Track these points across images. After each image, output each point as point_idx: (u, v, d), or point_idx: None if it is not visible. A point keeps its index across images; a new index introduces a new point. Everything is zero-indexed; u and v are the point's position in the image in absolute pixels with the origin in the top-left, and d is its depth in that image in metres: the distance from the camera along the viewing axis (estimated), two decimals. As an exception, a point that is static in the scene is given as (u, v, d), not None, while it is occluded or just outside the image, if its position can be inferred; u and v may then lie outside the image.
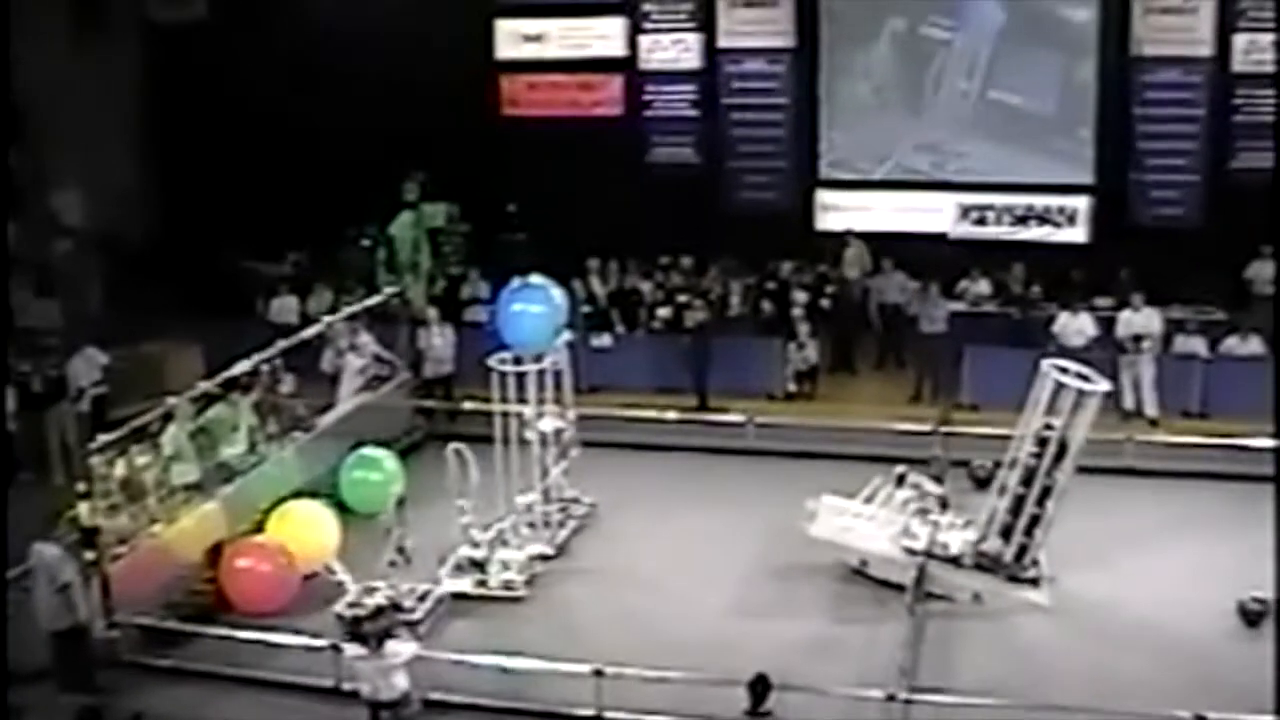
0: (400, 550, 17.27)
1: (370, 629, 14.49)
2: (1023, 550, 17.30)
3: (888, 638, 16.09)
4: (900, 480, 18.15)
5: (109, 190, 27.72)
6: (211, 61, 28.71)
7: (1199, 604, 16.88)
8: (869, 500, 18.22)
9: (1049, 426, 17.00)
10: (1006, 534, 17.30)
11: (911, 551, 17.37)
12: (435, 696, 14.92)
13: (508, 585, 17.69)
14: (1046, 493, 17.10)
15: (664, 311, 25.43)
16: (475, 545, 17.88)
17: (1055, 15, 26.74)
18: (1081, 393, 16.82)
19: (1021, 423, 17.26)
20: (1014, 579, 17.33)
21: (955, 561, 17.24)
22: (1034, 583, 17.35)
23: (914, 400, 24.16)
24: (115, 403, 21.53)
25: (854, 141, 28.28)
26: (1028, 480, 17.13)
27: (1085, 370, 17.17)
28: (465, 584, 17.60)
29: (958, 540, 17.46)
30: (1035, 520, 17.19)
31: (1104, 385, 17.07)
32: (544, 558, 18.39)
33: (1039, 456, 17.04)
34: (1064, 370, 17.04)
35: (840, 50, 27.96)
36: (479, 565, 17.79)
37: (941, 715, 14.50)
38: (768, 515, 19.01)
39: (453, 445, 17.99)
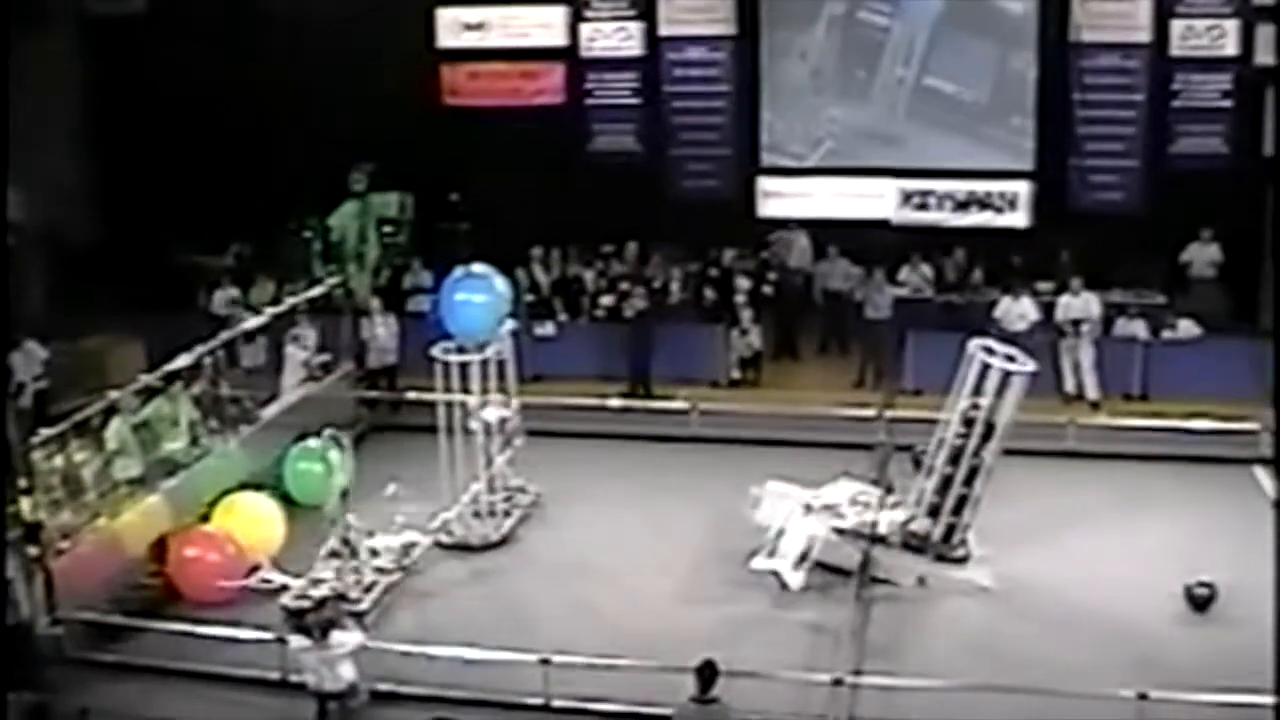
0: (345, 541, 17.26)
1: (314, 620, 14.46)
2: (951, 530, 17.48)
3: (834, 622, 16.19)
4: (807, 510, 17.89)
5: (49, 185, 27.44)
6: (151, 54, 28.45)
7: (1144, 587, 17.05)
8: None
9: (975, 406, 17.17)
10: (934, 513, 17.47)
11: (840, 531, 17.47)
12: (383, 687, 14.92)
13: (379, 571, 17.55)
14: (974, 472, 17.27)
15: (607, 300, 25.44)
16: (348, 530, 17.68)
17: (992, 3, 26.78)
18: (1007, 373, 16.98)
19: (949, 403, 17.44)
20: (942, 558, 17.52)
21: (883, 541, 17.25)
22: (962, 561, 17.55)
23: (857, 386, 24.26)
24: (57, 397, 21.37)
25: (789, 126, 28.25)
26: (955, 460, 17.31)
27: (1012, 350, 17.36)
28: (333, 569, 17.47)
29: (887, 521, 17.50)
30: (963, 500, 17.36)
31: (1030, 365, 17.23)
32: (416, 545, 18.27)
33: (965, 436, 17.22)
34: (991, 351, 17.19)
35: (779, 35, 27.92)
36: (352, 551, 17.67)
37: (887, 698, 14.60)
38: (713, 502, 19.09)
39: (327, 432, 18.01)
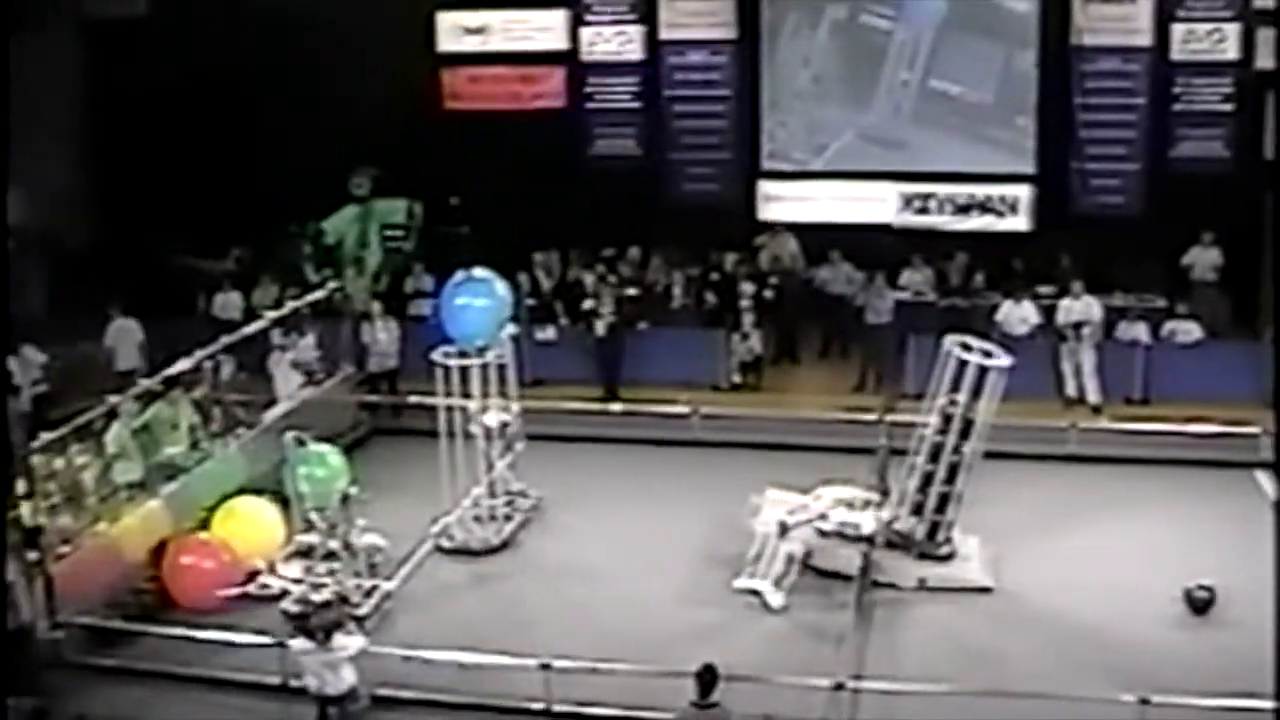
0: (346, 545, 17.23)
1: (317, 623, 14.41)
2: (935, 527, 17.49)
3: (834, 626, 16.17)
4: (783, 530, 17.63)
5: (49, 188, 27.45)
6: (152, 57, 28.43)
7: (1144, 591, 16.98)
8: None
9: (953, 403, 17.21)
10: (918, 511, 17.49)
11: (823, 533, 17.51)
12: (384, 692, 14.89)
13: (332, 573, 17.30)
14: (954, 469, 17.30)
15: (588, 304, 25.27)
16: (310, 529, 17.68)
17: (996, 5, 26.79)
18: (984, 368, 16.97)
19: (927, 401, 17.57)
20: (926, 556, 17.53)
21: (869, 541, 17.16)
22: (948, 559, 17.55)
23: (858, 390, 24.21)
24: (56, 402, 21.35)
25: (792, 132, 28.24)
26: (935, 457, 17.34)
27: (989, 346, 17.46)
28: (295, 570, 17.51)
29: (870, 520, 17.44)
30: (945, 497, 17.37)
31: (1006, 360, 17.21)
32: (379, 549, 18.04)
33: (945, 433, 17.25)
34: (968, 347, 17.22)
35: (780, 40, 27.94)
36: (307, 553, 17.65)
37: (888, 703, 14.57)
38: (714, 507, 19.06)
39: (291, 434, 17.99)
